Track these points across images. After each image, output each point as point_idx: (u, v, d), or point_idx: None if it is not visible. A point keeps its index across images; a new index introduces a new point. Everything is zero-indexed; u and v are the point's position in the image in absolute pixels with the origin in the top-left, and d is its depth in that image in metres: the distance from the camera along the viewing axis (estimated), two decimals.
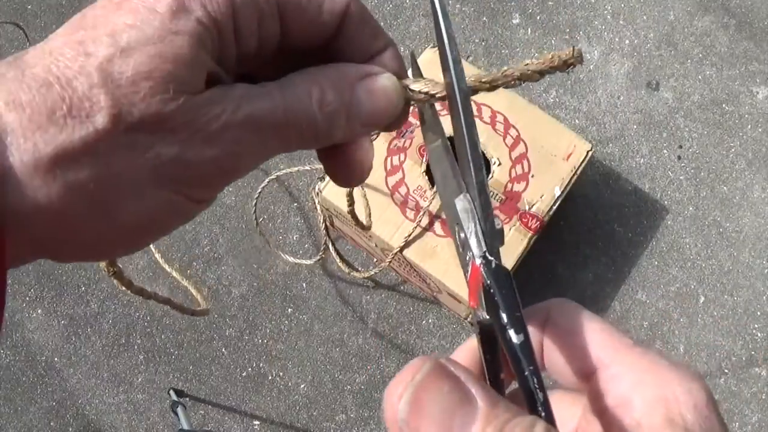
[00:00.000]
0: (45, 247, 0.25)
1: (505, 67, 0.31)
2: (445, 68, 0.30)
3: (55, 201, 0.23)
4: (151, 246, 1.22)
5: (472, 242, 0.28)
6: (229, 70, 0.28)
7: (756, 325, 1.23)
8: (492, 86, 0.31)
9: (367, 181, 1.08)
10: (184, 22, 0.25)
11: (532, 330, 0.30)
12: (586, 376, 0.28)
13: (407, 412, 0.23)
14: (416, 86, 0.30)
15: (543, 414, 0.25)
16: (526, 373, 0.26)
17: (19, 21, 1.37)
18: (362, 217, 1.05)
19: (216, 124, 0.26)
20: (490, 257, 0.28)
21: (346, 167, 0.31)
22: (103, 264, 0.34)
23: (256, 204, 1.17)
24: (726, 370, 1.21)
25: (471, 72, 1.14)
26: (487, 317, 0.27)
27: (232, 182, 0.29)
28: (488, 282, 0.27)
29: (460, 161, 0.30)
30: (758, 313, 1.24)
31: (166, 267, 1.19)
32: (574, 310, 0.29)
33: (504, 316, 0.26)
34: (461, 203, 0.29)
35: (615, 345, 0.28)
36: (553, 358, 0.29)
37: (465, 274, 0.29)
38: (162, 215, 0.27)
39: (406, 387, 0.24)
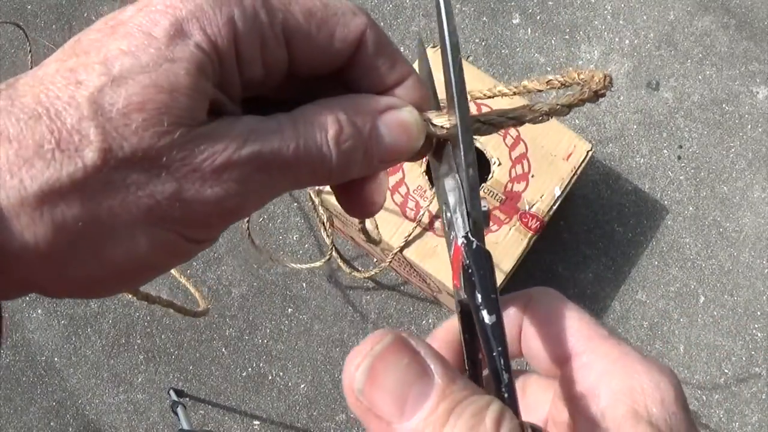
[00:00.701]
0: (34, 284, 0.24)
1: (534, 103, 0.30)
2: (450, 98, 0.28)
3: (41, 240, 0.22)
4: None
5: (457, 222, 0.28)
6: (233, 98, 0.26)
7: (756, 325, 1.23)
8: (519, 122, 0.30)
9: None
10: (182, 47, 0.23)
11: (512, 314, 0.30)
12: (560, 363, 0.28)
13: (363, 382, 0.23)
14: (439, 120, 0.28)
15: (506, 395, 0.25)
16: (494, 353, 0.25)
17: (19, 21, 1.37)
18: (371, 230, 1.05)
19: (218, 161, 0.24)
20: (471, 238, 0.27)
21: (359, 200, 0.29)
22: None
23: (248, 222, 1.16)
24: (726, 370, 1.21)
25: (472, 73, 1.14)
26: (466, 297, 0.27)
27: (236, 222, 0.26)
28: (467, 262, 0.27)
29: (452, 141, 0.29)
30: (758, 313, 1.24)
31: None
32: (554, 298, 0.29)
33: (479, 296, 0.26)
34: (449, 183, 0.29)
35: (590, 334, 0.28)
36: (530, 343, 0.29)
37: (449, 254, 0.29)
38: (157, 256, 0.25)
39: (364, 357, 0.23)
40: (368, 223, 1.04)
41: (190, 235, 0.25)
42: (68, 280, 0.24)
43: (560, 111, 0.30)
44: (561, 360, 0.28)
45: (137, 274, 0.25)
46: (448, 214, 0.29)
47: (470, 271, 0.27)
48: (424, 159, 1.10)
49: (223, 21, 0.24)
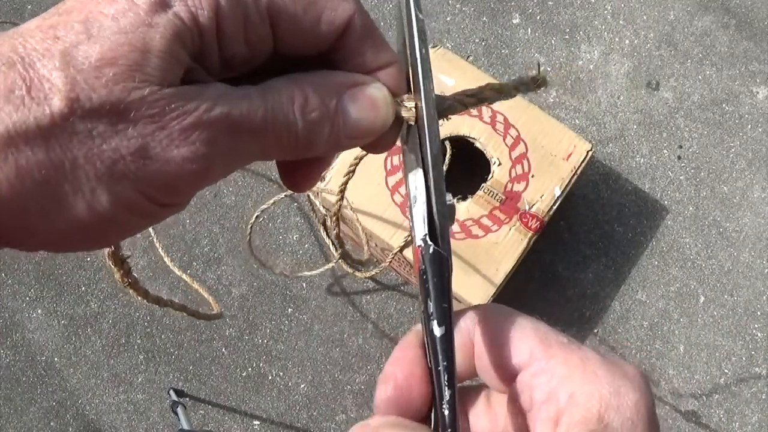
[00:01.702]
0: (3, 234, 0.24)
1: (490, 83, 0.30)
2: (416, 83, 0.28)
3: (4, 184, 0.23)
4: (158, 246, 1.22)
5: (417, 222, 0.27)
6: (211, 72, 0.26)
7: (756, 325, 1.23)
8: (478, 100, 0.30)
9: (367, 181, 1.08)
10: (161, 15, 0.24)
11: (463, 328, 0.28)
12: (513, 376, 0.27)
13: None
14: (410, 103, 0.28)
15: (447, 412, 0.24)
16: (440, 367, 0.24)
17: (18, 21, 1.37)
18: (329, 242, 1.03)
19: (187, 121, 0.24)
20: (429, 241, 0.26)
21: (300, 174, 0.30)
22: (118, 275, 0.33)
23: (250, 233, 1.16)
24: (726, 370, 1.21)
25: (472, 73, 1.14)
26: None
27: (202, 188, 0.27)
28: (423, 267, 0.26)
29: (419, 132, 0.28)
30: (758, 313, 1.24)
31: (177, 271, 1.19)
32: (508, 310, 0.28)
33: (431, 305, 0.25)
34: (412, 178, 0.28)
35: (548, 341, 0.26)
36: (484, 357, 0.28)
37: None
38: (122, 214, 0.25)
39: None
40: (363, 237, 1.03)
41: (154, 196, 0.25)
42: (32, 231, 0.24)
43: (507, 91, 0.30)
44: (519, 368, 0.27)
45: (102, 231, 0.26)
46: (410, 209, 0.28)
47: (425, 277, 0.25)
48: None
49: None
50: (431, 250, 0.26)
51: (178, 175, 0.25)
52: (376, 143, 0.29)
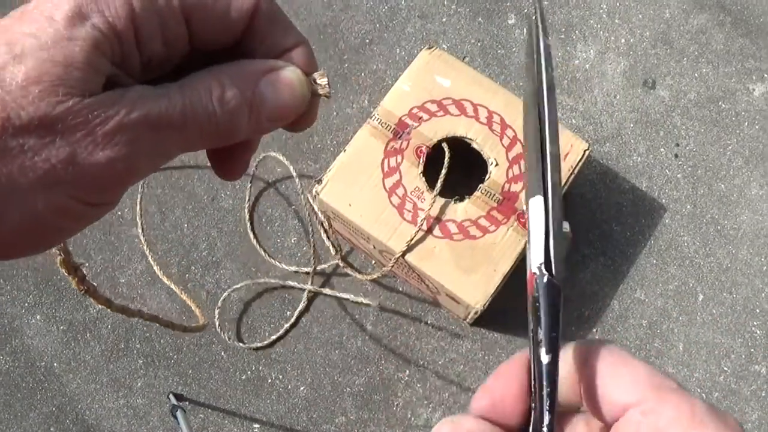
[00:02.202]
0: None
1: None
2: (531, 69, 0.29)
3: None
4: (148, 254, 1.22)
5: (534, 249, 0.27)
6: (133, 75, 0.28)
7: (755, 323, 1.23)
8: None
9: (365, 181, 1.08)
10: (80, 28, 0.25)
11: (569, 358, 0.29)
12: (620, 412, 0.27)
13: None
14: (323, 80, 0.30)
15: None
16: (543, 392, 0.25)
17: None
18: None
19: (109, 125, 0.26)
20: (544, 270, 0.27)
21: (233, 162, 0.32)
22: (73, 283, 0.34)
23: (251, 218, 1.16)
24: (725, 368, 1.22)
25: (468, 74, 1.14)
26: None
27: (132, 184, 0.29)
28: (536, 294, 0.27)
29: (539, 156, 0.28)
30: (757, 311, 1.24)
31: (165, 279, 1.19)
32: (619, 348, 0.29)
33: (540, 332, 0.26)
34: (533, 204, 0.28)
35: (662, 386, 0.27)
36: (591, 389, 0.28)
37: (527, 272, 0.29)
38: (56, 219, 0.27)
39: None
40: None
41: (86, 198, 0.27)
42: None
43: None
44: (628, 406, 0.27)
45: (40, 235, 0.27)
46: (528, 234, 0.29)
47: (537, 304, 0.27)
48: (421, 160, 1.10)
49: (120, 3, 0.26)
50: (545, 279, 0.27)
51: (105, 175, 0.26)
52: (296, 122, 0.31)
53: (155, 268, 1.26)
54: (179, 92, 0.27)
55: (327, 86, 0.31)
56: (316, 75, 0.31)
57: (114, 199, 0.29)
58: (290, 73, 0.29)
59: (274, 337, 1.23)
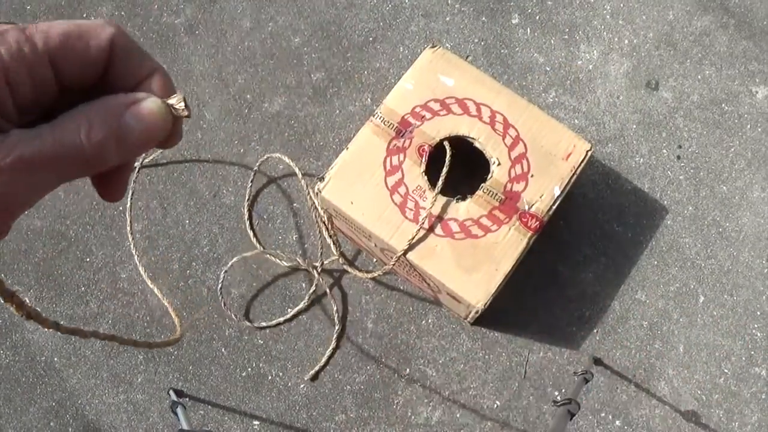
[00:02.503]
0: None
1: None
2: None
3: None
4: (136, 259, 1.22)
5: None
6: (9, 119, 0.30)
7: (756, 325, 1.23)
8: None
9: (367, 179, 1.08)
10: None
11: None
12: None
13: None
14: (180, 104, 0.34)
15: None
16: None
17: (18, 21, 1.37)
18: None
19: None
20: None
21: (112, 186, 0.35)
22: (13, 309, 0.37)
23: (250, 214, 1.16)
24: (725, 370, 1.21)
25: (471, 73, 1.14)
26: None
27: (15, 219, 0.31)
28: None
29: None
30: (758, 313, 1.24)
31: (149, 282, 1.20)
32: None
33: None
34: None
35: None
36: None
37: None
38: None
39: None
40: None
41: None
42: None
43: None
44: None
45: None
46: None
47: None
48: (423, 159, 1.10)
49: None
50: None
51: None
52: (164, 142, 0.35)
53: (140, 269, 1.26)
54: (51, 132, 0.30)
55: (184, 108, 0.34)
56: (173, 100, 0.34)
57: (4, 229, 0.31)
58: (150, 104, 0.33)
59: (278, 320, 1.23)
